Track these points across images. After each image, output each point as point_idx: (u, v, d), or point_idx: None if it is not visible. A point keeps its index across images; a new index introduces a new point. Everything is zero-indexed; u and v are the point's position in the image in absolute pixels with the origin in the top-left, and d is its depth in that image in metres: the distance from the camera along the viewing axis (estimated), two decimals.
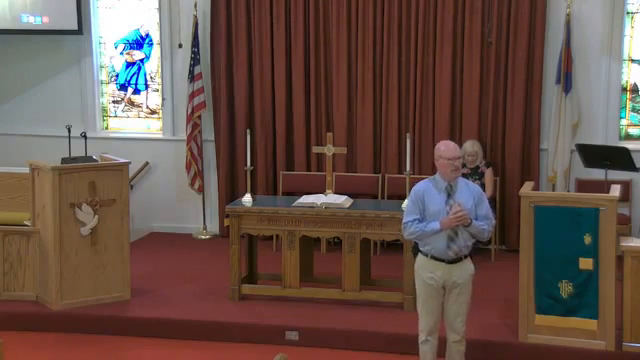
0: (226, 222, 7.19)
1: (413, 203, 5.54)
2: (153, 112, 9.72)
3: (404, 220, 5.57)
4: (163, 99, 9.51)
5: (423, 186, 5.58)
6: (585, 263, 6.01)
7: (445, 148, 5.54)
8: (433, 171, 8.62)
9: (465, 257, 5.55)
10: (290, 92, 8.96)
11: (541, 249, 6.11)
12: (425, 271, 5.53)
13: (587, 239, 5.99)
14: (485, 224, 5.51)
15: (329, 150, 7.37)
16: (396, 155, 8.75)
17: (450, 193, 5.49)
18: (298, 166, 8.99)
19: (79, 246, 6.97)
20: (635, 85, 8.61)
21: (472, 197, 5.51)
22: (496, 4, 8.42)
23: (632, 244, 6.05)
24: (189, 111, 9.09)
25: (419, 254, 5.59)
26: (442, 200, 5.48)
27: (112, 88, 9.76)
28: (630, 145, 8.14)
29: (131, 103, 9.76)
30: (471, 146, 8.38)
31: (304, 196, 7.37)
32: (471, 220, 5.42)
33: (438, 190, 5.52)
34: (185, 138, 9.15)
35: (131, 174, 8.12)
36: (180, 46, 9.19)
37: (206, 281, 7.71)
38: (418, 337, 5.67)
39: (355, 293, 7.00)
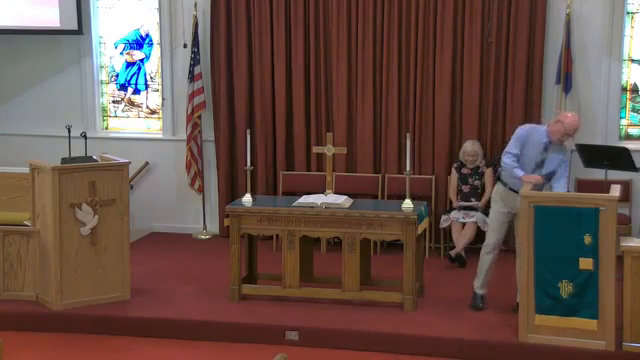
0: (226, 222, 7.19)
1: (517, 140, 6.61)
2: (153, 112, 9.73)
3: (507, 149, 6.63)
4: (163, 99, 9.51)
5: (528, 130, 6.67)
6: (585, 263, 6.01)
7: (569, 121, 6.51)
8: (433, 171, 8.72)
9: None
10: (290, 92, 8.96)
11: (541, 249, 6.12)
12: (501, 198, 6.77)
13: (587, 239, 5.99)
14: (557, 186, 6.59)
15: (329, 150, 7.36)
16: (396, 155, 8.75)
17: (547, 148, 6.57)
18: (298, 166, 8.99)
19: (79, 246, 6.96)
20: (635, 85, 8.61)
21: (558, 160, 6.60)
22: (496, 4, 8.42)
23: (632, 244, 6.05)
24: (189, 111, 9.09)
25: (498, 183, 6.80)
26: (538, 151, 6.58)
27: (112, 88, 9.76)
28: (630, 145, 8.14)
29: (131, 103, 9.76)
30: (471, 146, 8.38)
31: (304, 196, 7.37)
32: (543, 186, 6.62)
33: (538, 140, 6.57)
34: (185, 138, 9.15)
35: (131, 174, 8.11)
36: (185, 46, 9.17)
37: (206, 281, 7.71)
38: (482, 249, 6.95)
39: (355, 293, 7.00)
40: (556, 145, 6.61)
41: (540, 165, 6.60)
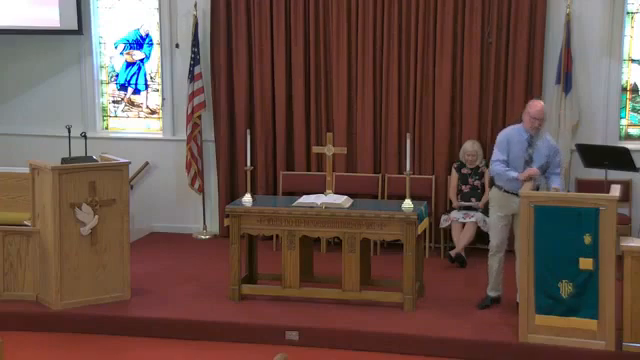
0: (226, 222, 7.19)
1: (499, 146, 6.67)
2: (153, 112, 9.73)
3: (493, 158, 6.70)
4: (163, 99, 9.51)
5: (508, 132, 6.72)
6: (585, 263, 6.02)
7: (532, 106, 6.58)
8: (433, 171, 8.73)
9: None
10: (290, 92, 8.96)
11: (541, 249, 6.12)
12: (497, 202, 6.76)
13: (587, 239, 5.99)
14: (553, 179, 6.64)
15: (329, 150, 7.36)
16: (396, 155, 8.75)
17: (530, 143, 6.60)
18: (298, 166, 8.99)
19: (79, 246, 6.96)
20: (635, 85, 8.61)
21: (548, 152, 6.63)
22: (496, 4, 8.42)
23: (632, 244, 6.05)
24: (189, 111, 9.09)
25: (494, 187, 6.79)
26: (522, 148, 6.62)
27: (112, 88, 9.76)
28: (630, 145, 8.15)
29: (131, 103, 9.76)
30: (471, 146, 8.38)
31: (304, 196, 7.37)
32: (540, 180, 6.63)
33: (519, 138, 6.61)
34: (185, 138, 9.15)
35: (131, 174, 8.11)
36: (177, 46, 9.19)
37: (206, 281, 7.71)
38: (488, 252, 6.97)
39: (355, 293, 7.00)
40: (538, 137, 6.63)
41: (529, 162, 6.63)
